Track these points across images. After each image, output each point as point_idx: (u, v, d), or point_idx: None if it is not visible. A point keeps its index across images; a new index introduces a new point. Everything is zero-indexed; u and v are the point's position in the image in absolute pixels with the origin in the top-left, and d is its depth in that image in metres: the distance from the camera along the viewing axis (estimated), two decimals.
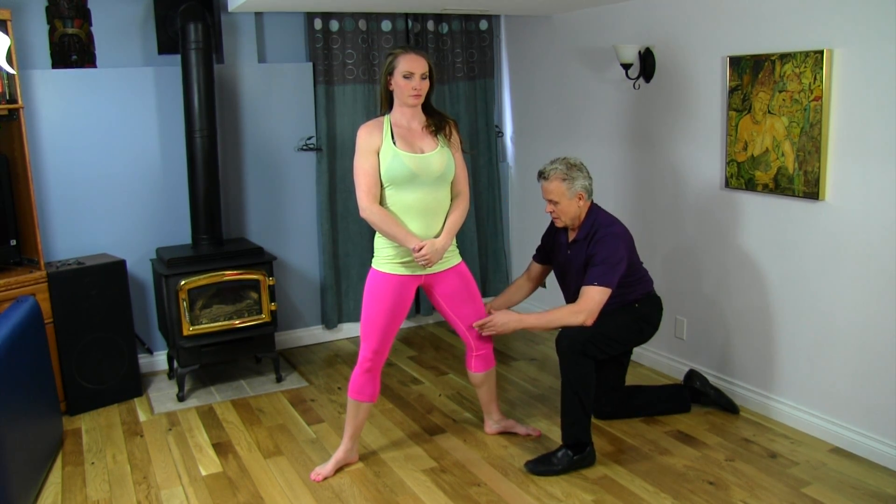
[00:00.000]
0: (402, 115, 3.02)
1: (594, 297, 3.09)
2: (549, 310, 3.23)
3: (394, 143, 2.96)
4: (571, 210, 3.19)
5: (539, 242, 3.56)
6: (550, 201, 3.20)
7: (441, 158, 3.01)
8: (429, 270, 3.09)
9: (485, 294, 5.31)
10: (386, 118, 3.03)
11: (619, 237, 3.17)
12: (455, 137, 3.12)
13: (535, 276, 3.59)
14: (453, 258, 3.18)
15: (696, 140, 3.76)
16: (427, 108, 3.07)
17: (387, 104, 3.06)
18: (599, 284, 3.08)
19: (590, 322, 3.09)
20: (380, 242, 3.08)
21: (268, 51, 4.57)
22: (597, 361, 3.18)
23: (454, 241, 3.17)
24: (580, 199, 3.18)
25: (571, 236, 3.28)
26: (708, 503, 2.87)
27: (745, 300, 3.62)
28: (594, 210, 3.24)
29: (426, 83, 2.98)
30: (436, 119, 3.07)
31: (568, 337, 3.10)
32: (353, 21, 4.59)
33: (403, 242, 2.95)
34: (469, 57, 5.04)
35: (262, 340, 4.20)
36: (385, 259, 3.05)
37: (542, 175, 3.22)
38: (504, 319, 3.21)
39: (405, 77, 2.93)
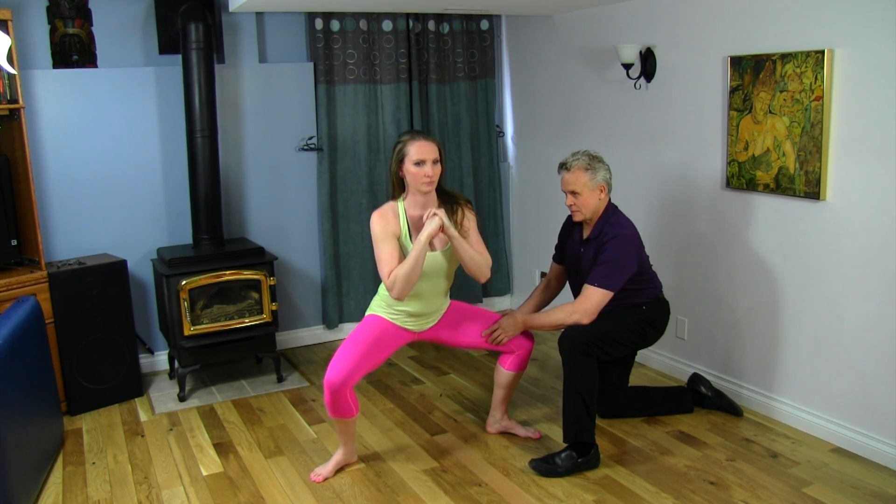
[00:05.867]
0: (416, 202, 2.99)
1: (592, 298, 3.08)
2: (551, 309, 3.23)
3: (410, 238, 2.96)
4: (592, 202, 3.16)
5: (553, 242, 3.55)
6: (572, 192, 3.16)
7: (450, 254, 3.03)
8: (421, 328, 3.16)
9: (486, 293, 5.31)
10: (400, 205, 3.01)
11: (630, 240, 3.15)
12: (468, 220, 3.07)
13: (557, 276, 3.54)
14: (442, 308, 3.21)
15: (698, 140, 3.76)
16: (439, 189, 3.04)
17: (399, 189, 3.04)
18: (600, 286, 3.07)
19: (586, 321, 3.09)
20: (378, 300, 3.15)
21: (269, 51, 4.57)
22: (600, 362, 3.17)
23: (447, 298, 3.23)
24: (601, 191, 3.16)
25: (586, 233, 3.26)
26: (709, 503, 2.87)
27: (746, 300, 3.62)
28: (611, 209, 3.21)
29: (438, 168, 2.95)
30: (449, 205, 3.03)
31: (570, 337, 3.10)
32: (354, 21, 4.59)
33: (422, 246, 2.86)
34: (470, 57, 5.04)
35: (263, 340, 4.20)
36: (381, 311, 3.12)
37: (563, 166, 3.19)
38: (511, 322, 3.22)
39: (417, 164, 2.91)
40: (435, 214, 2.89)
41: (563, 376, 3.13)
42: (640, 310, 3.27)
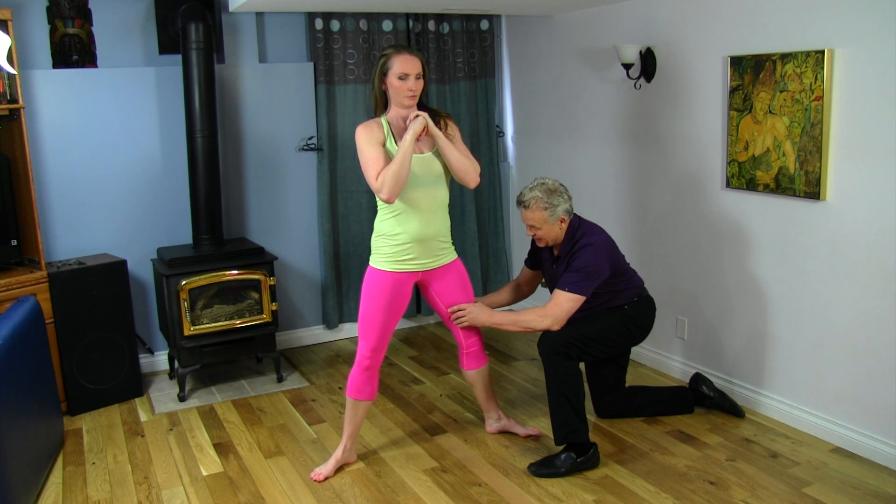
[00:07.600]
0: (398, 115, 3.01)
1: (562, 304, 3.07)
2: (520, 311, 3.23)
3: (396, 143, 2.96)
4: (553, 233, 3.18)
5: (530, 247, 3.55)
6: (531, 227, 3.19)
7: (440, 159, 3.02)
8: (425, 267, 3.09)
9: (486, 293, 5.31)
10: (383, 119, 3.02)
11: (600, 247, 3.14)
12: (451, 129, 3.09)
13: (526, 282, 3.57)
14: (449, 254, 3.18)
15: (697, 140, 3.76)
16: (420, 105, 3.05)
17: (382, 105, 3.05)
18: (570, 291, 3.07)
19: (556, 328, 3.09)
20: (377, 242, 3.07)
21: (269, 51, 4.58)
22: (588, 362, 3.17)
23: (449, 237, 3.17)
24: (562, 221, 3.16)
25: (556, 251, 3.28)
26: (709, 503, 2.87)
27: (745, 300, 3.62)
28: (575, 224, 3.20)
29: (421, 83, 2.97)
30: (431, 117, 3.03)
31: (548, 340, 3.11)
32: (353, 21, 4.60)
33: (409, 144, 2.86)
34: (470, 57, 5.04)
35: (262, 340, 4.20)
36: (382, 257, 3.05)
37: (521, 203, 3.18)
38: (477, 312, 3.20)
39: (400, 78, 2.92)
40: (418, 115, 2.91)
41: (545, 379, 3.13)
42: (622, 310, 3.27)
